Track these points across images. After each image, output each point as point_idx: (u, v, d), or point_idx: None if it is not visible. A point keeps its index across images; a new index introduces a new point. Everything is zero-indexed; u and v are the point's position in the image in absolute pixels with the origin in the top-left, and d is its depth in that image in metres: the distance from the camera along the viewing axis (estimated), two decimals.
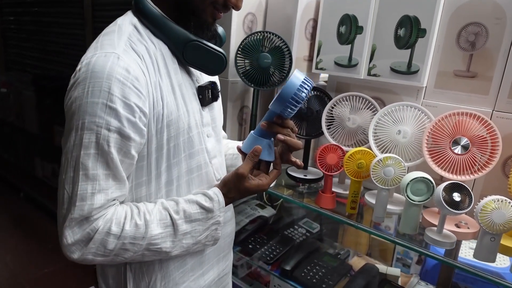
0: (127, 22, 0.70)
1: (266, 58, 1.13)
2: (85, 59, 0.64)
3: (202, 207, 0.71)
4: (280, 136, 0.73)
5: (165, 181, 0.72)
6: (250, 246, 1.32)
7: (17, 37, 2.96)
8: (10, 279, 2.16)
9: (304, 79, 0.69)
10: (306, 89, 0.69)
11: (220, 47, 0.76)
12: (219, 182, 0.78)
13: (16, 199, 3.08)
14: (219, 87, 0.82)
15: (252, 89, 1.25)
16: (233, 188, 0.74)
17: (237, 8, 0.72)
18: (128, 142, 0.63)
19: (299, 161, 0.79)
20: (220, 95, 0.82)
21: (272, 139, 0.75)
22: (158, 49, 0.70)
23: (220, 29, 0.81)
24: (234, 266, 0.97)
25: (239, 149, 0.78)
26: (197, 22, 0.71)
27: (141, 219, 0.66)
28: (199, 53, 0.72)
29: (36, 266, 2.26)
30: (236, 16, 1.18)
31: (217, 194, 0.73)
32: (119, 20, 0.72)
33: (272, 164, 0.78)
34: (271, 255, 1.28)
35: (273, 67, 1.15)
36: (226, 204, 0.74)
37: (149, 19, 0.70)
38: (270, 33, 1.14)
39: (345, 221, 1.01)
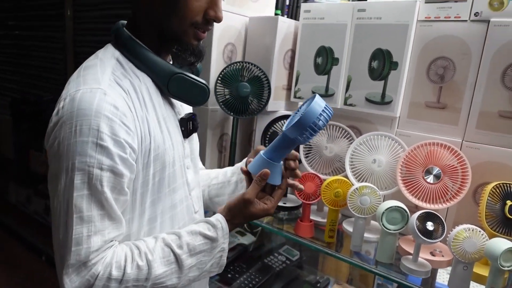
0: (109, 55, 0.69)
1: (245, 88, 1.15)
2: (67, 95, 0.61)
3: (206, 237, 0.69)
4: (291, 164, 0.75)
5: (148, 218, 0.70)
6: (229, 275, 1.30)
7: None
8: None
9: (325, 106, 0.67)
10: (325, 117, 0.67)
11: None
12: (220, 207, 0.76)
13: None
14: (198, 119, 0.82)
15: (231, 117, 1.26)
16: (238, 214, 0.72)
17: (219, 19, 0.70)
18: (121, 179, 0.62)
19: (299, 185, 0.80)
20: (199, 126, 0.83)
21: (281, 163, 0.75)
22: (143, 83, 0.69)
23: None
24: None
25: (245, 171, 0.77)
26: (180, 47, 0.70)
27: (143, 260, 0.63)
28: (183, 85, 0.71)
29: None
30: (216, 46, 1.20)
31: (220, 220, 0.71)
32: (100, 53, 0.70)
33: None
34: (251, 285, 1.26)
35: (252, 96, 1.17)
36: (230, 230, 0.72)
37: (131, 52, 0.69)
38: (249, 63, 1.16)
39: (324, 251, 1.01)
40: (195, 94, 0.73)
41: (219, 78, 1.17)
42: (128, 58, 0.69)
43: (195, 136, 0.83)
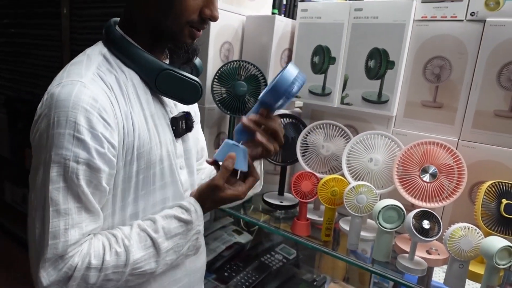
0: (96, 52, 0.69)
1: (242, 86, 1.15)
2: (51, 89, 0.62)
3: (180, 220, 0.69)
4: (258, 137, 0.70)
5: (130, 213, 0.70)
6: (225, 273, 1.30)
7: None
8: None
9: (299, 72, 0.68)
10: (300, 82, 0.68)
11: (197, 77, 0.76)
12: (192, 191, 0.76)
13: None
14: (193, 118, 0.80)
15: (228, 116, 1.26)
16: (208, 199, 0.73)
17: (215, 18, 0.69)
18: (98, 174, 0.61)
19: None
20: (194, 126, 0.81)
21: (246, 149, 0.74)
22: (129, 79, 0.68)
23: (197, 60, 0.81)
24: None
25: (211, 162, 0.76)
26: (175, 46, 0.70)
27: (121, 247, 0.64)
28: (172, 82, 0.70)
29: None
30: (213, 45, 1.20)
31: (193, 204, 0.72)
32: (88, 50, 0.70)
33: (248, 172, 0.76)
34: (247, 283, 1.26)
35: (248, 95, 1.17)
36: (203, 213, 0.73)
37: (119, 49, 0.69)
38: (246, 62, 1.16)
39: (320, 249, 1.02)
40: (185, 91, 0.72)
41: (216, 77, 1.17)
42: (115, 55, 0.69)
43: (191, 136, 0.82)
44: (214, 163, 0.76)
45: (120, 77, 0.67)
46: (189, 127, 0.79)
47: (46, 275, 0.59)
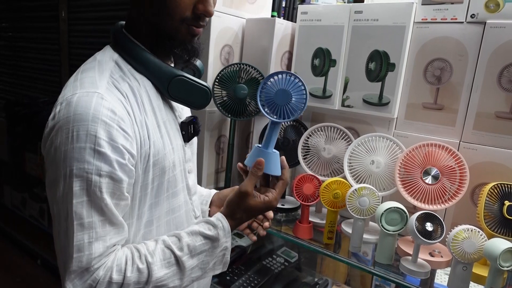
0: (107, 57, 0.67)
1: (242, 89, 1.15)
2: (64, 99, 0.60)
3: (206, 237, 0.67)
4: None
5: (145, 221, 0.69)
6: (227, 277, 1.30)
7: None
8: None
9: (304, 85, 0.69)
10: (307, 96, 0.70)
11: (198, 78, 0.75)
12: (223, 208, 0.74)
13: None
14: (200, 122, 0.80)
15: (229, 119, 1.26)
16: (238, 209, 0.70)
17: (209, 13, 0.66)
18: (120, 185, 0.61)
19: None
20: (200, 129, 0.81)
21: (278, 152, 0.73)
22: (142, 86, 0.67)
23: (198, 62, 0.80)
24: None
25: (241, 167, 0.76)
26: (175, 45, 0.68)
27: (143, 263, 0.63)
28: (184, 88, 0.70)
29: None
30: (213, 48, 1.20)
31: (220, 219, 0.69)
32: (98, 55, 0.69)
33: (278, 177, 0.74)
34: (249, 287, 1.26)
35: (249, 98, 1.17)
36: (233, 227, 0.70)
37: (130, 54, 0.68)
38: (246, 65, 1.16)
39: (323, 252, 1.01)
40: (196, 97, 0.72)
41: (217, 80, 1.17)
42: (127, 60, 0.68)
43: (194, 140, 0.82)
44: (243, 169, 0.75)
45: (133, 84, 0.66)
46: (196, 131, 0.78)
47: (73, 286, 0.59)
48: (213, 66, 1.21)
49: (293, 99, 0.69)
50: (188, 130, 0.76)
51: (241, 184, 0.70)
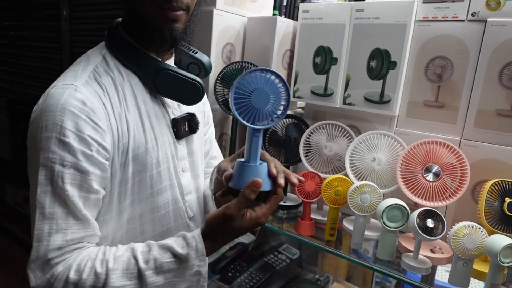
0: (96, 52, 0.69)
1: None
2: (45, 92, 0.63)
3: (175, 255, 0.60)
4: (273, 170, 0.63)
5: (127, 217, 0.68)
6: (229, 274, 1.31)
7: None
8: None
9: (285, 83, 0.62)
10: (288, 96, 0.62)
11: (205, 76, 0.74)
12: (191, 219, 0.73)
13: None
14: (198, 119, 0.79)
15: (231, 116, 1.27)
16: (219, 231, 0.62)
17: None
18: (87, 177, 0.60)
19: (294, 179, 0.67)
20: (199, 127, 0.80)
21: (266, 164, 0.64)
22: (127, 80, 0.67)
23: (205, 58, 0.79)
24: None
25: (224, 191, 0.67)
26: (153, 31, 0.65)
27: (103, 268, 0.59)
28: (171, 82, 0.68)
29: None
30: (215, 46, 1.21)
31: (196, 238, 0.62)
32: (90, 51, 0.70)
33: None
34: (251, 283, 1.27)
35: None
36: (211, 250, 0.63)
37: (118, 49, 0.68)
38: (248, 63, 1.17)
39: (324, 248, 1.02)
40: (185, 91, 0.69)
41: (219, 78, 1.17)
42: (115, 55, 0.69)
43: (196, 138, 0.81)
44: (227, 193, 0.68)
45: (116, 78, 0.66)
46: (193, 129, 0.77)
47: (34, 277, 0.58)
48: (215, 64, 1.22)
49: (271, 99, 0.61)
50: (181, 127, 0.73)
51: (227, 206, 0.61)
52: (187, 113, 0.77)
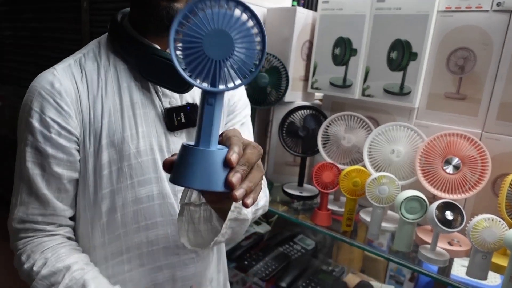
0: (96, 40, 0.71)
1: (264, 78, 1.16)
2: None
3: None
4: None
5: (107, 208, 0.66)
6: (245, 262, 1.33)
7: (13, 51, 2.97)
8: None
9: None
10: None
11: None
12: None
13: (8, 214, 3.04)
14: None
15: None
16: None
17: None
18: (47, 159, 0.62)
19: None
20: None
21: (226, 148, 0.44)
22: (112, 66, 0.67)
23: None
24: (230, 282, 0.97)
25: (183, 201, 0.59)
26: (150, 12, 0.62)
27: (41, 267, 0.62)
28: (157, 67, 0.63)
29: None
30: None
31: None
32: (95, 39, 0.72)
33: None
34: (267, 271, 1.28)
35: (270, 87, 1.18)
36: None
37: (112, 36, 0.69)
38: (268, 53, 1.17)
39: (341, 238, 1.03)
40: (171, 78, 0.63)
41: None
42: (111, 42, 0.69)
43: (195, 131, 0.74)
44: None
45: (102, 64, 0.66)
46: (192, 121, 0.70)
47: (10, 238, 0.67)
48: None
49: (236, 48, 0.39)
50: (174, 117, 0.68)
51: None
52: (187, 103, 0.70)
